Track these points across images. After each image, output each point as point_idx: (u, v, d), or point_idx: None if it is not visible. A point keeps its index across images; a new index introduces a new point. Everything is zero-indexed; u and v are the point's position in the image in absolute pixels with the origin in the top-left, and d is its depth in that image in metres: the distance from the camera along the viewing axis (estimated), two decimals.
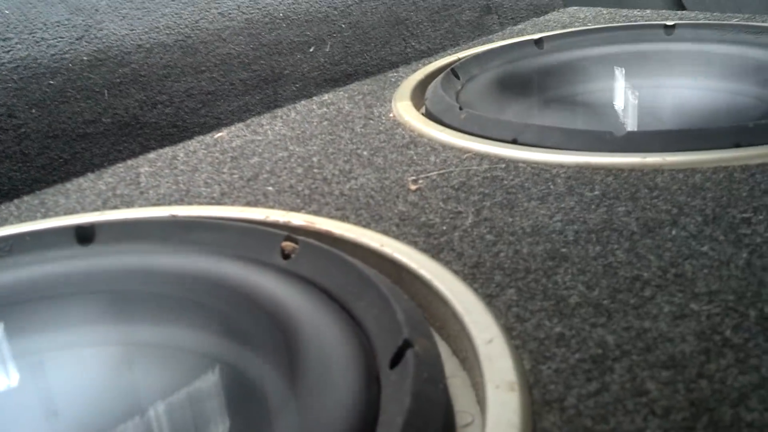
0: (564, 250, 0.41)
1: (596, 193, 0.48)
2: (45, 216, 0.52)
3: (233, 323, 0.39)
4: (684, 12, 0.99)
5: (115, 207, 0.52)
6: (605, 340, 0.33)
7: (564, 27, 0.93)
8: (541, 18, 1.02)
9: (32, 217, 0.52)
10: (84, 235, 0.46)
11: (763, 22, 0.83)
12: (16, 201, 0.56)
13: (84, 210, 0.52)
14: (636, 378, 0.31)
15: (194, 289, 0.42)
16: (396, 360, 0.33)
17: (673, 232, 0.42)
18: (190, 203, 0.52)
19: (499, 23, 1.16)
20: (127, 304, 0.42)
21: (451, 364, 0.36)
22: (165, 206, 0.51)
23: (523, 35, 0.90)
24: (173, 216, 0.49)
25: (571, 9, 1.05)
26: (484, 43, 0.90)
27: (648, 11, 0.96)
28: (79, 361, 0.41)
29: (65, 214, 0.52)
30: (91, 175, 0.60)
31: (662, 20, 0.87)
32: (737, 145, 0.51)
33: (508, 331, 0.35)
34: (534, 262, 0.40)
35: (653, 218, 0.44)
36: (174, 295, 0.42)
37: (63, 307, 0.43)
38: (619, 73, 0.73)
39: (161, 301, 0.42)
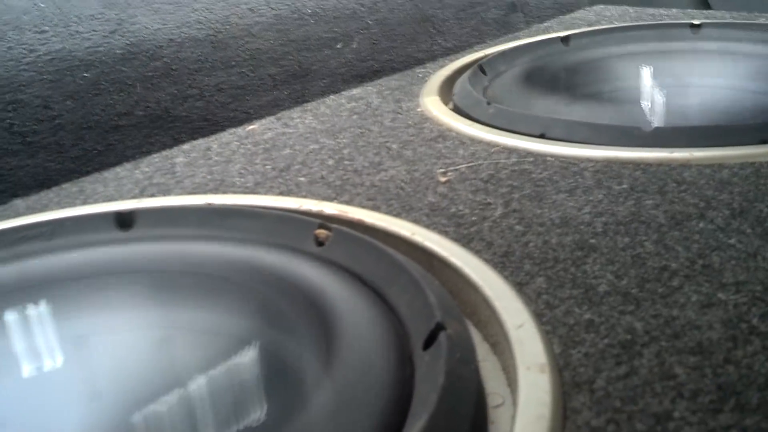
0: (593, 241, 0.42)
1: (624, 186, 0.48)
2: (84, 203, 0.54)
3: (269, 308, 0.41)
4: (710, 11, 0.99)
5: (153, 195, 0.54)
6: (634, 327, 0.34)
7: (590, 25, 0.94)
8: (568, 16, 1.03)
9: (72, 204, 0.54)
10: (124, 220, 0.47)
11: None
12: (55, 188, 0.58)
13: (122, 197, 0.54)
14: (664, 363, 0.32)
15: (230, 274, 0.43)
16: (429, 342, 0.34)
17: (701, 225, 0.43)
18: (225, 192, 0.53)
19: (525, 21, 1.17)
20: (165, 286, 0.43)
21: (481, 350, 0.37)
22: (201, 195, 0.53)
23: (549, 32, 0.91)
24: (209, 204, 0.50)
25: (598, 7, 1.05)
26: (510, 41, 0.91)
27: (674, 10, 0.96)
28: (118, 343, 0.42)
29: (104, 201, 0.54)
30: (128, 165, 0.61)
31: (689, 19, 0.87)
32: (764, 141, 0.52)
33: (538, 317, 0.36)
34: (563, 252, 0.41)
35: (681, 211, 0.44)
36: (211, 280, 0.43)
37: (102, 288, 0.44)
38: (646, 71, 0.74)
39: (198, 284, 0.43)
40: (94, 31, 0.83)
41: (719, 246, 0.40)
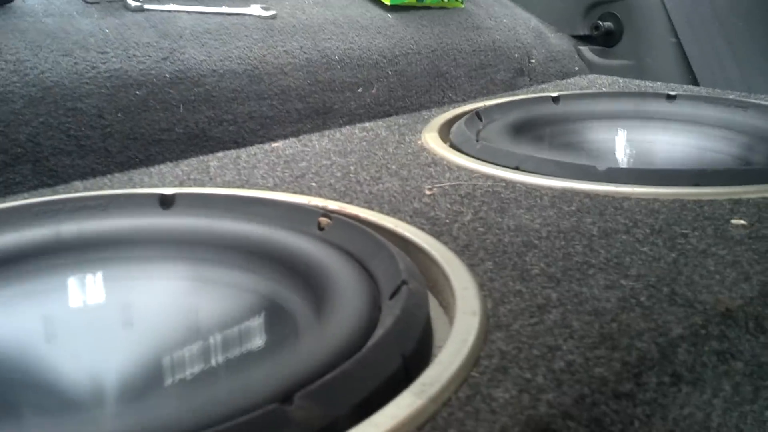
0: (536, 241, 0.53)
1: (573, 208, 0.59)
2: (133, 188, 0.65)
3: (276, 269, 0.52)
4: (691, 86, 1.11)
5: (190, 186, 0.65)
6: (550, 296, 0.45)
7: (581, 89, 1.06)
8: (564, 81, 1.15)
9: (123, 187, 0.65)
10: (166, 201, 0.59)
11: (756, 99, 0.95)
12: (108, 176, 0.70)
13: (165, 186, 0.65)
14: (566, 319, 0.42)
15: (249, 245, 0.54)
16: (394, 294, 0.45)
17: (624, 237, 0.54)
18: (249, 189, 0.64)
19: (529, 84, 1.29)
20: (195, 251, 0.55)
21: (436, 312, 0.48)
22: (230, 189, 0.64)
23: (544, 92, 1.03)
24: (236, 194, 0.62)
25: (592, 76, 1.18)
26: (509, 96, 1.03)
27: (659, 83, 1.08)
28: (151, 288, 0.53)
29: (150, 187, 0.65)
30: (169, 164, 0.73)
31: (668, 91, 0.99)
32: (696, 185, 0.63)
33: (480, 286, 0.46)
34: (511, 248, 0.52)
35: (612, 227, 0.55)
36: (233, 249, 0.54)
37: (143, 249, 0.55)
38: (619, 128, 0.85)
39: (222, 251, 0.54)
40: (148, 56, 0.96)
41: (634, 252, 0.51)
